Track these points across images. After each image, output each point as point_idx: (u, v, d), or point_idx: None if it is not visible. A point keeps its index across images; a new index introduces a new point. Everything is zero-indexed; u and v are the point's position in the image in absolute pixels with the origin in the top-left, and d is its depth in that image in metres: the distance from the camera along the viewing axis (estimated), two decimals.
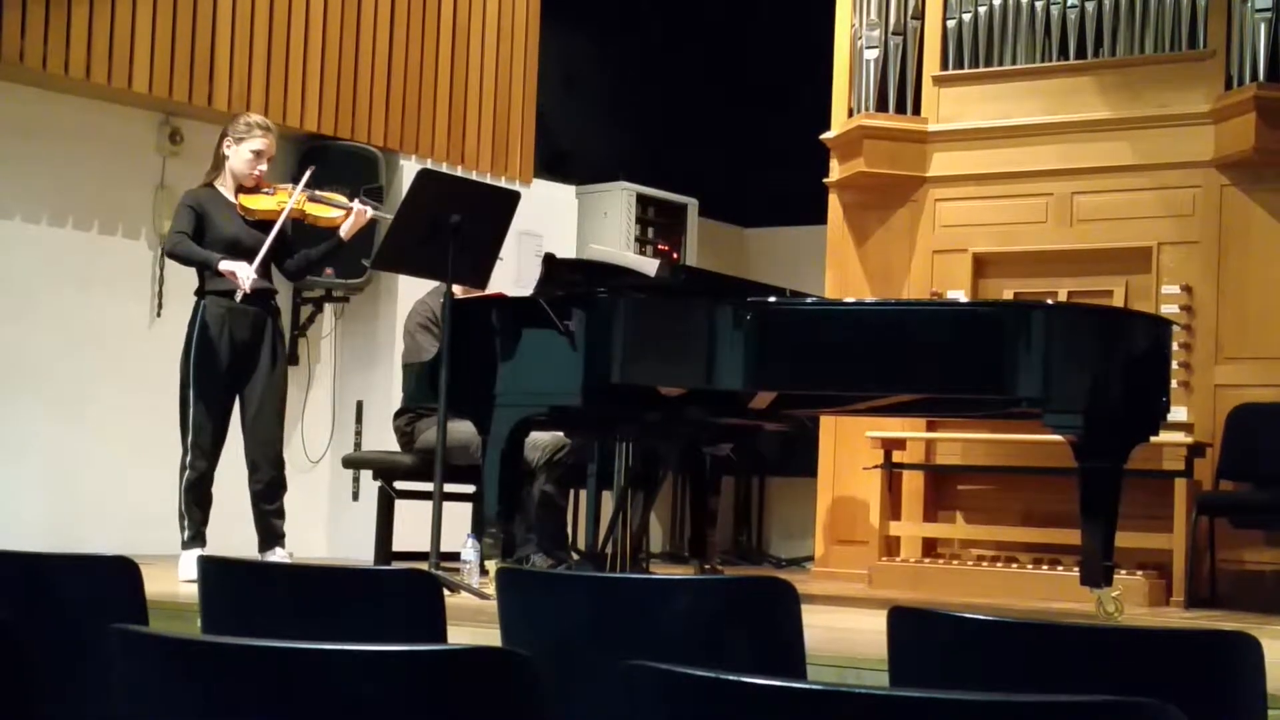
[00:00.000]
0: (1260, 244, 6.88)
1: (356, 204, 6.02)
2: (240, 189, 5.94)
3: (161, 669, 1.78)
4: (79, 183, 7.21)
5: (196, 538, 5.77)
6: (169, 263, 7.37)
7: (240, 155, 5.92)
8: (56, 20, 6.85)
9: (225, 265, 5.72)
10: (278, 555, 5.86)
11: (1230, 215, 6.95)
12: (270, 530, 5.93)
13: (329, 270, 7.63)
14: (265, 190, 5.97)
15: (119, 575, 2.92)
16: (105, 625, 1.82)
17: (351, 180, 7.73)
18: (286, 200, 5.91)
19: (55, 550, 3.19)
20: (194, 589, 3.13)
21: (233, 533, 5.99)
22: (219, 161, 5.97)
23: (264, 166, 5.97)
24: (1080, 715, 1.48)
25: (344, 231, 5.98)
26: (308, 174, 5.99)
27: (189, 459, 5.79)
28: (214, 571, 3.01)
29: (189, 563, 5.47)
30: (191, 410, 5.80)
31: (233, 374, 5.85)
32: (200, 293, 5.88)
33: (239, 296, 5.71)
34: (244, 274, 5.69)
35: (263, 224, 5.90)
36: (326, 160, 7.80)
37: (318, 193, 6.03)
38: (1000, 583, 6.81)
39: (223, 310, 5.79)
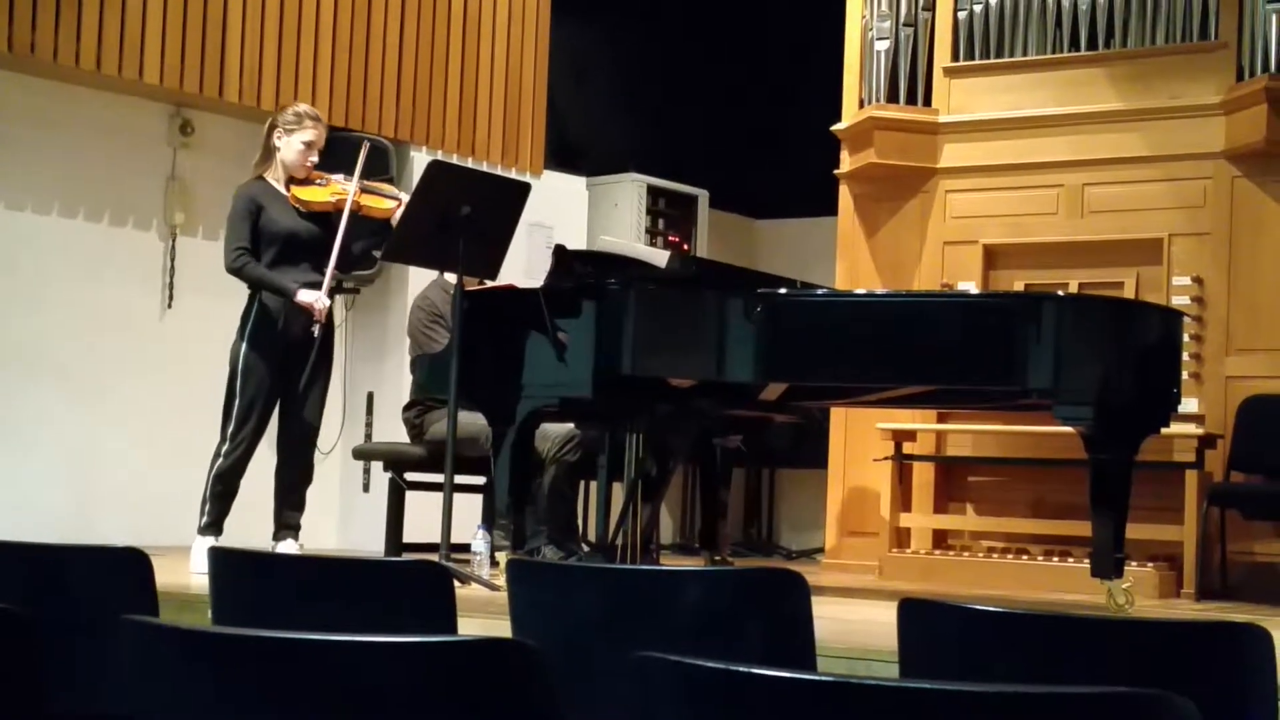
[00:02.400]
0: (1271, 235, 6.86)
1: (404, 195, 6.01)
2: (291, 180, 5.95)
3: (172, 660, 1.79)
4: (90, 174, 7.22)
5: (213, 526, 5.77)
6: (180, 255, 7.42)
7: (292, 147, 5.91)
8: (68, 12, 6.85)
9: (303, 297, 5.74)
10: (288, 546, 5.87)
11: (1241, 207, 6.93)
12: (286, 521, 5.94)
13: None
14: (317, 181, 5.97)
15: (130, 567, 2.92)
16: (116, 616, 1.82)
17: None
18: (340, 191, 5.92)
19: (68, 539, 3.20)
20: (205, 580, 3.14)
21: (246, 522, 5.99)
22: (269, 153, 5.96)
23: (315, 158, 5.97)
24: (1091, 707, 1.48)
25: (396, 221, 5.94)
26: (363, 154, 5.98)
27: (225, 448, 5.79)
28: (224, 563, 3.02)
29: (200, 553, 5.47)
30: (237, 401, 5.79)
31: (283, 368, 5.85)
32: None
33: (316, 330, 5.74)
34: (321, 305, 5.74)
35: (316, 216, 5.92)
36: (337, 152, 7.81)
37: (367, 183, 6.05)
38: (1011, 574, 6.80)
39: (280, 303, 5.79)
